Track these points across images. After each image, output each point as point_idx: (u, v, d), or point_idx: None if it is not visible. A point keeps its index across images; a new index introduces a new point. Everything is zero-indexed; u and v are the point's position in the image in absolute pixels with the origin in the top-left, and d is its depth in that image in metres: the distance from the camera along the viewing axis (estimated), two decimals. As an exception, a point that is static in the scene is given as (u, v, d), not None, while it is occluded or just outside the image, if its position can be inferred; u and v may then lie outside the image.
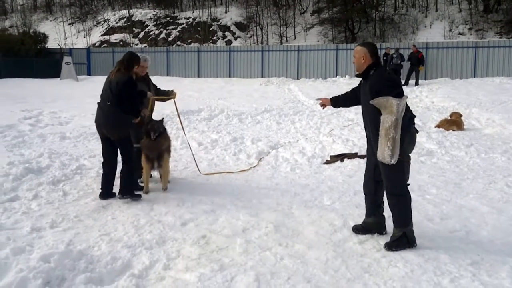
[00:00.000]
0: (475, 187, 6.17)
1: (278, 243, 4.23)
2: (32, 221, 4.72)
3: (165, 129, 6.11)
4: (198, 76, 26.69)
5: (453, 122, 10.60)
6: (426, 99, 16.67)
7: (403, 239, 4.04)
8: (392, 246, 4.06)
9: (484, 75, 21.75)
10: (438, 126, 10.68)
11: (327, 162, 7.57)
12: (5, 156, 7.13)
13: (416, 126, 4.21)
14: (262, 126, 11.50)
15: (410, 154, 4.20)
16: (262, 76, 25.28)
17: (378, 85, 4.00)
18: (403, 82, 20.23)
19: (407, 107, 4.03)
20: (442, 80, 21.35)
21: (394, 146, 3.86)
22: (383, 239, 4.24)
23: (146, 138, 5.88)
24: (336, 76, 23.76)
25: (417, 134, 4.20)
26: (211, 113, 13.00)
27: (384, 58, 21.03)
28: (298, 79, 24.37)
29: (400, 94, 3.90)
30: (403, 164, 4.00)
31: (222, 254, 4.00)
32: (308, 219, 4.88)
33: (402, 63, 20.33)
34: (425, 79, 21.77)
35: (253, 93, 18.66)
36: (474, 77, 21.75)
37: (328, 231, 4.54)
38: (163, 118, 6.22)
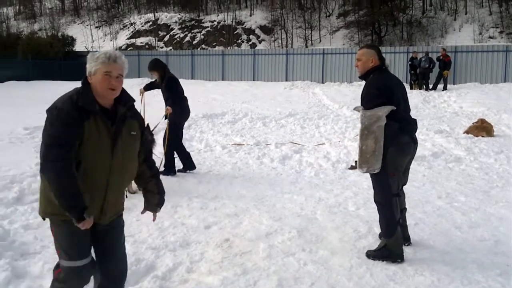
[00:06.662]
0: (504, 195, 6.00)
1: (302, 248, 4.20)
2: (59, 221, 4.80)
3: None
4: (222, 80, 26.81)
5: (483, 128, 10.33)
6: (454, 104, 16.34)
7: (384, 251, 3.90)
8: (371, 254, 3.97)
9: (515, 80, 21.18)
10: (467, 132, 10.44)
11: (352, 168, 7.47)
12: (33, 157, 7.27)
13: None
14: (286, 130, 11.46)
15: (405, 166, 4.06)
16: (286, 80, 25.16)
17: (365, 91, 3.96)
18: (431, 86, 19.84)
19: (401, 117, 3.86)
20: (471, 85, 20.84)
21: (360, 156, 3.83)
22: (409, 249, 4.15)
23: None
24: (362, 80, 23.40)
25: (415, 145, 4.04)
26: (235, 116, 13.04)
27: (410, 62, 20.68)
28: (323, 83, 24.19)
29: (381, 104, 3.75)
30: (387, 175, 3.86)
31: (245, 258, 3.99)
32: (332, 225, 4.83)
33: (432, 67, 19.87)
34: (453, 84, 21.32)
35: (277, 97, 18.63)
36: (505, 82, 21.16)
37: (353, 237, 4.48)
38: None
